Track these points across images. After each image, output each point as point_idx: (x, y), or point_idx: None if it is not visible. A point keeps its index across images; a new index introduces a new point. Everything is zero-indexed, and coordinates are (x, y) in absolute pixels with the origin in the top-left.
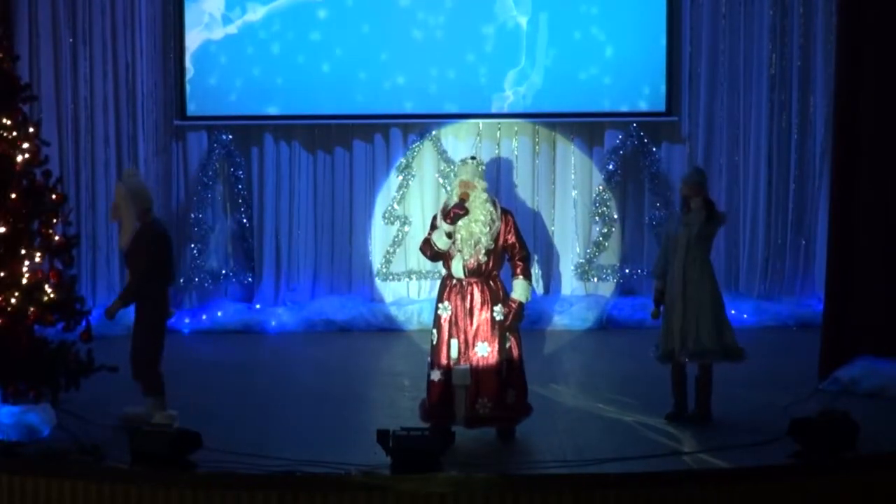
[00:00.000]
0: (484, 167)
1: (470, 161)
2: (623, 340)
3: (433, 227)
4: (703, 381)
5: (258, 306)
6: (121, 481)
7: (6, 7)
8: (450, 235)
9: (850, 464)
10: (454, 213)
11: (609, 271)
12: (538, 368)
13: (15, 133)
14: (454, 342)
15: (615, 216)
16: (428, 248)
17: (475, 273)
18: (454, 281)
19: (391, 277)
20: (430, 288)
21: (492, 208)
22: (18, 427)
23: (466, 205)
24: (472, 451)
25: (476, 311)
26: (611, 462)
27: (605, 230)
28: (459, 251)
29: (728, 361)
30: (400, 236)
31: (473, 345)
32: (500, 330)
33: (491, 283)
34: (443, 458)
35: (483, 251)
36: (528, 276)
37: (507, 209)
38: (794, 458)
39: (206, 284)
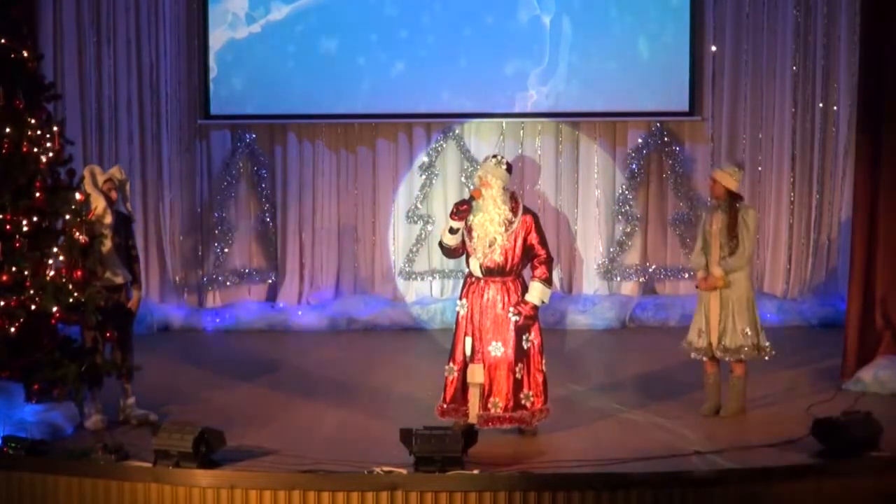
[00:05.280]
0: (505, 166)
1: (491, 159)
2: (645, 340)
3: None
4: (741, 377)
5: (281, 305)
6: (144, 480)
7: (31, 6)
8: (454, 232)
9: (874, 464)
10: (456, 209)
11: (632, 271)
12: (560, 368)
13: (39, 132)
14: (468, 340)
15: (638, 215)
16: (441, 246)
17: (493, 272)
18: (473, 279)
19: (414, 276)
20: (453, 287)
21: (507, 208)
22: (42, 426)
23: (475, 203)
24: (494, 450)
25: (491, 310)
26: (632, 462)
27: (628, 229)
28: (475, 250)
29: (760, 358)
30: (423, 235)
31: (488, 343)
32: (516, 330)
33: (510, 283)
34: (465, 456)
35: (498, 251)
36: (544, 279)
37: (531, 210)
38: (817, 458)
39: (229, 283)
